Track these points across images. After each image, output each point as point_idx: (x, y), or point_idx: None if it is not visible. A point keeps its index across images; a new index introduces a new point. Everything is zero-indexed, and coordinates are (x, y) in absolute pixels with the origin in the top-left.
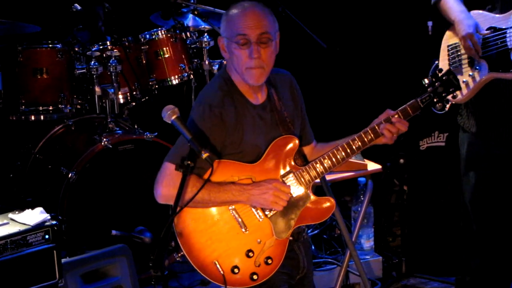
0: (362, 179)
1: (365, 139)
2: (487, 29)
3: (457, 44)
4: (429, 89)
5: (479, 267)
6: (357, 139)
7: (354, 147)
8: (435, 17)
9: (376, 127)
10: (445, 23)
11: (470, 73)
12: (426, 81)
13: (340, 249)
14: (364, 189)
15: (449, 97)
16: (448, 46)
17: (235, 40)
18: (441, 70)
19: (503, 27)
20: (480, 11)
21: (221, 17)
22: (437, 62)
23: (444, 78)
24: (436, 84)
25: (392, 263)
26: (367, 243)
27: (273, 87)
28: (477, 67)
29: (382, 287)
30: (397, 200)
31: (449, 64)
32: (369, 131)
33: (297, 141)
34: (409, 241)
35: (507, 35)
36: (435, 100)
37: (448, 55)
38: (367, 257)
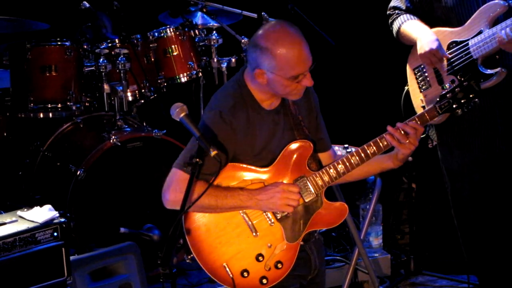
0: (370, 177)
1: (381, 145)
2: (449, 44)
3: (421, 66)
4: (448, 95)
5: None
6: (372, 144)
7: (369, 152)
8: None
9: (392, 131)
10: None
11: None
12: (446, 86)
13: (348, 246)
14: (372, 187)
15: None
16: (414, 69)
17: (292, 78)
18: (462, 74)
19: (464, 39)
20: (438, 28)
21: (254, 48)
22: (407, 87)
23: (464, 84)
24: (456, 90)
25: (400, 261)
26: (376, 241)
27: None
28: (447, 85)
29: (391, 284)
30: (405, 198)
31: (419, 87)
32: (384, 136)
33: (311, 145)
34: (417, 239)
35: (470, 46)
36: (454, 106)
37: (416, 78)
38: (375, 254)
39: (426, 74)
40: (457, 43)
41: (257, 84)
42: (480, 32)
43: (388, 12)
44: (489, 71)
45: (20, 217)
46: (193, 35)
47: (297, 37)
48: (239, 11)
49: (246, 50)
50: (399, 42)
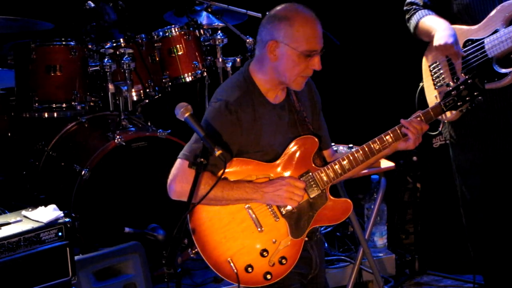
0: (375, 177)
1: (385, 141)
2: (465, 42)
3: (437, 63)
4: (453, 93)
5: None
6: (377, 141)
7: (374, 149)
8: None
9: (397, 129)
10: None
11: None
12: (451, 84)
13: (353, 246)
14: (377, 186)
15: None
16: (429, 66)
17: (305, 53)
18: (466, 72)
19: (480, 37)
20: (454, 26)
21: (272, 18)
22: (422, 84)
23: (469, 81)
24: (461, 87)
25: (405, 261)
26: (380, 240)
27: None
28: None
29: (395, 284)
30: (410, 198)
31: (434, 84)
32: (390, 133)
33: (317, 141)
34: (422, 239)
35: (485, 45)
36: (459, 103)
37: (431, 75)
38: (380, 254)
39: (442, 71)
40: (472, 41)
41: (263, 73)
42: (496, 31)
43: (405, 8)
44: (503, 71)
45: (25, 217)
46: (198, 35)
47: (313, 15)
48: (244, 10)
49: (252, 49)
50: (404, 42)
